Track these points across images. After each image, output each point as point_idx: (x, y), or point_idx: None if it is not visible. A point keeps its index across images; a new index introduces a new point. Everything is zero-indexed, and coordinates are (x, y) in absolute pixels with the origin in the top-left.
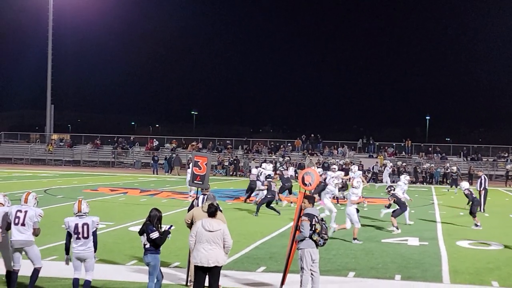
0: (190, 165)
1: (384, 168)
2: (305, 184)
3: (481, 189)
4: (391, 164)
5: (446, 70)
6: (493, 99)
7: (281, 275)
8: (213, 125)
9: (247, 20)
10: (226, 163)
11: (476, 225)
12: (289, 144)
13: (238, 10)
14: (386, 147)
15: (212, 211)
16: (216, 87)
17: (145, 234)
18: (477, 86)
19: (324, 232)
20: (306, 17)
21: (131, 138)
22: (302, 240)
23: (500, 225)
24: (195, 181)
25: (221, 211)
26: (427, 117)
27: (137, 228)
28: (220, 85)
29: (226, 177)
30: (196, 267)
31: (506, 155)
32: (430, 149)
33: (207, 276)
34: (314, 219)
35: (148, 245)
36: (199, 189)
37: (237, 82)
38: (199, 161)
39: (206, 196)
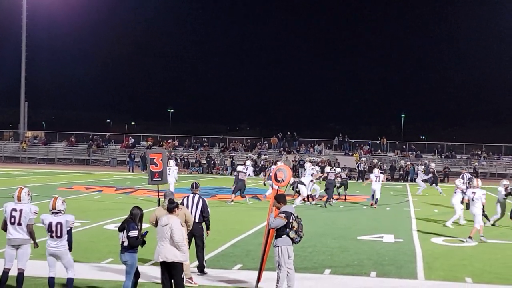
0: (170, 163)
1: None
2: (277, 181)
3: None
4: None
5: (420, 69)
6: (467, 98)
7: (257, 272)
8: (190, 123)
9: (222, 18)
10: (204, 161)
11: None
12: (265, 142)
13: (213, 6)
14: (362, 145)
15: (171, 208)
16: (192, 84)
17: (124, 231)
18: (451, 84)
19: (300, 230)
20: (279, 15)
21: (107, 135)
22: (279, 237)
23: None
24: (154, 179)
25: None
26: (402, 116)
27: (113, 226)
28: (196, 83)
29: (202, 175)
30: (160, 263)
31: (479, 152)
32: (405, 147)
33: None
34: (291, 217)
35: (126, 243)
36: (194, 189)
37: (214, 79)
38: (154, 158)
39: (195, 194)
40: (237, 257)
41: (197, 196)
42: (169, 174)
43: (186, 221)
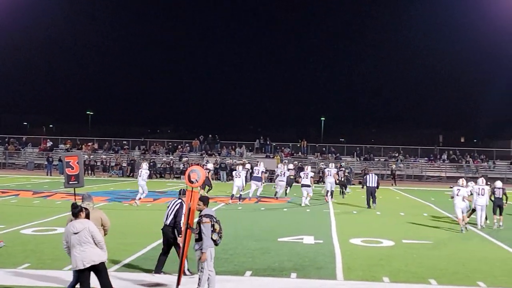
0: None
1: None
2: (191, 182)
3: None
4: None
5: (340, 73)
6: (385, 101)
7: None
8: (110, 126)
9: (143, 17)
10: (124, 164)
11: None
12: (187, 145)
13: (135, 8)
14: (283, 147)
15: (75, 212)
16: (112, 87)
17: None
18: (369, 88)
19: (221, 232)
20: (201, 15)
21: (24, 138)
22: (201, 240)
23: (391, 223)
24: (70, 182)
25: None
26: (322, 118)
27: (30, 231)
28: (116, 85)
29: (122, 178)
30: (79, 271)
31: (397, 155)
32: (325, 149)
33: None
34: (212, 220)
35: None
36: (181, 195)
37: (135, 81)
38: (70, 161)
39: (178, 199)
40: (157, 261)
41: (178, 201)
42: (140, 176)
43: (103, 225)
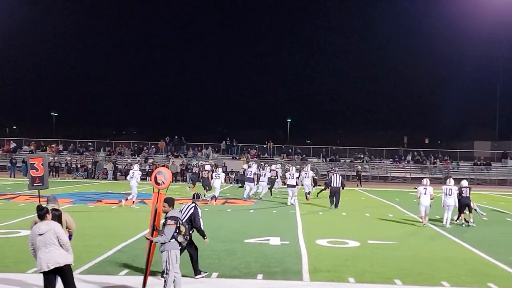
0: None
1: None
2: (157, 183)
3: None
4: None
5: (305, 74)
6: (350, 103)
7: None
8: (74, 127)
9: (106, 17)
10: (90, 166)
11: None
12: (152, 146)
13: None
14: (249, 149)
15: (41, 214)
16: (77, 87)
17: None
18: (335, 90)
19: (187, 234)
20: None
21: None
22: (166, 242)
23: (357, 223)
24: (34, 184)
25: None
26: (288, 120)
27: None
28: (81, 86)
29: (87, 179)
30: (44, 273)
31: (362, 156)
32: (291, 150)
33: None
34: (178, 222)
35: None
36: (194, 199)
37: (99, 83)
38: (35, 163)
39: (191, 203)
40: (123, 263)
41: (192, 205)
42: (132, 178)
43: (68, 227)
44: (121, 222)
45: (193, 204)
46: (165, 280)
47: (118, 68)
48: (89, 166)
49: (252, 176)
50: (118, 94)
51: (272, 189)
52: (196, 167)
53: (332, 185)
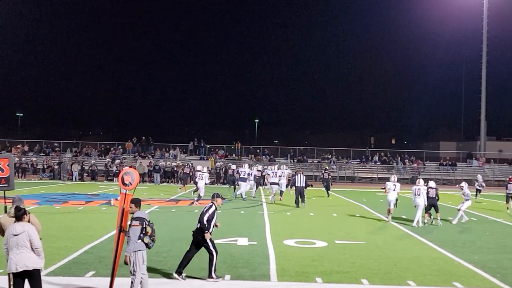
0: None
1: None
2: (125, 184)
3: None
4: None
5: (273, 75)
6: (318, 104)
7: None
8: (40, 128)
9: (73, 19)
10: (56, 167)
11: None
12: (119, 147)
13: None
14: (217, 149)
15: (19, 215)
16: (43, 88)
17: None
18: (303, 90)
19: (154, 235)
20: (133, 15)
21: None
22: (133, 244)
23: (324, 223)
24: (0, 185)
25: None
26: (256, 120)
27: None
28: (47, 87)
29: (53, 180)
30: (13, 274)
31: (330, 156)
32: (259, 151)
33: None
34: (144, 223)
35: None
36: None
37: (66, 83)
38: (0, 164)
39: (211, 204)
40: (89, 264)
41: (209, 204)
42: (201, 179)
43: None
44: (87, 223)
45: (211, 203)
46: (132, 282)
47: (84, 69)
48: (55, 167)
49: (246, 176)
50: (85, 95)
51: (263, 187)
52: (188, 167)
53: (296, 185)
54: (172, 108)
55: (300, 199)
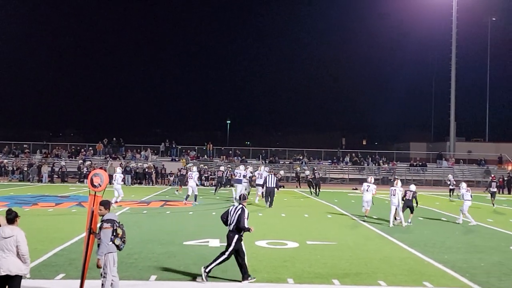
0: None
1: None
2: (94, 186)
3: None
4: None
5: (245, 76)
6: (289, 105)
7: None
8: (9, 129)
9: (42, 18)
10: (25, 168)
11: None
12: (90, 148)
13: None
14: (189, 151)
15: (11, 218)
16: (12, 88)
17: None
18: (274, 91)
19: (124, 236)
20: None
21: None
22: (104, 246)
23: (296, 224)
24: None
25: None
26: (228, 122)
27: None
28: (17, 87)
29: (23, 182)
30: None
31: (301, 157)
32: (231, 152)
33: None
34: (115, 224)
35: None
36: (241, 200)
37: (36, 84)
38: None
39: (239, 205)
40: (59, 266)
41: (239, 207)
42: (115, 180)
43: None
44: (57, 226)
45: (241, 206)
46: (102, 284)
47: (54, 69)
48: (25, 169)
49: (241, 178)
50: (55, 96)
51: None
52: (184, 169)
53: (267, 185)
54: (144, 109)
55: (269, 200)
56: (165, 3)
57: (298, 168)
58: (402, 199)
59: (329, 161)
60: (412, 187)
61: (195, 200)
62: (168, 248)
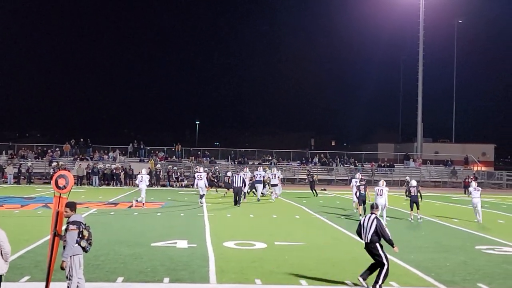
0: None
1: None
2: (59, 187)
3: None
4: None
5: (214, 76)
6: (259, 105)
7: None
8: None
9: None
10: None
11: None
12: (57, 149)
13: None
14: (157, 152)
15: None
16: None
17: None
18: (243, 92)
19: (91, 238)
20: (71, 17)
21: None
22: (69, 248)
23: (264, 225)
24: None
25: None
26: (197, 122)
27: None
28: None
29: None
30: None
31: (270, 158)
32: (199, 153)
33: None
34: (81, 226)
35: None
36: (374, 209)
37: (1, 84)
38: None
39: (371, 215)
40: (24, 269)
41: (373, 216)
42: (141, 182)
43: None
44: (23, 227)
45: (374, 215)
46: (68, 286)
47: (21, 69)
48: None
49: (261, 179)
50: (21, 95)
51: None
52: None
53: (234, 185)
54: (111, 109)
55: (237, 199)
56: (137, 3)
57: (267, 169)
58: (408, 196)
59: (298, 162)
60: (414, 183)
61: (201, 198)
62: (136, 250)
